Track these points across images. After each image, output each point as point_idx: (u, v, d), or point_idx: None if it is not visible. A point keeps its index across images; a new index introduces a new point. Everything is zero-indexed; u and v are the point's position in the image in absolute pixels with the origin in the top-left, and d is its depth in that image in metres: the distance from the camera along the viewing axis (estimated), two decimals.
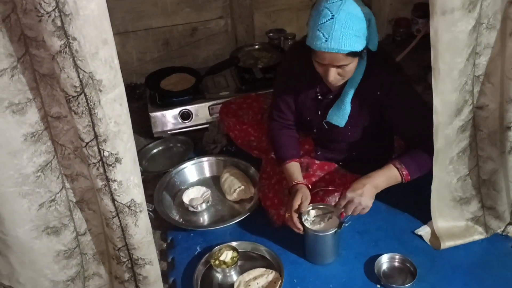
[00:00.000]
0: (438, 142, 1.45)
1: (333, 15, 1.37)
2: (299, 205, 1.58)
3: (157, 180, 2.05)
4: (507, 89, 1.41)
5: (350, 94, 1.60)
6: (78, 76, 1.03)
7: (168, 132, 2.34)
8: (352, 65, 1.49)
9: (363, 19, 1.41)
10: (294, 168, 1.71)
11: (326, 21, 1.38)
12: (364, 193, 1.53)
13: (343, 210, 1.58)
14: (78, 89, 1.04)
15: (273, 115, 1.83)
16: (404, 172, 1.56)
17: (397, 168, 1.57)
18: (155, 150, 2.31)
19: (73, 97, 1.05)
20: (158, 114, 2.32)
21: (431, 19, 1.24)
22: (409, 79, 1.65)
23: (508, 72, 1.39)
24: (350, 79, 1.58)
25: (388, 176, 1.57)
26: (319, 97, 1.69)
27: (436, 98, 1.36)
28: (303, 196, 1.59)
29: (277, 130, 1.82)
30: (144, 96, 2.58)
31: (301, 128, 1.84)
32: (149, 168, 2.21)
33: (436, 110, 1.38)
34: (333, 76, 1.50)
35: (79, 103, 1.06)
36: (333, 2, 1.38)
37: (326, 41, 1.39)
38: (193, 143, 2.28)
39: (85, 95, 1.05)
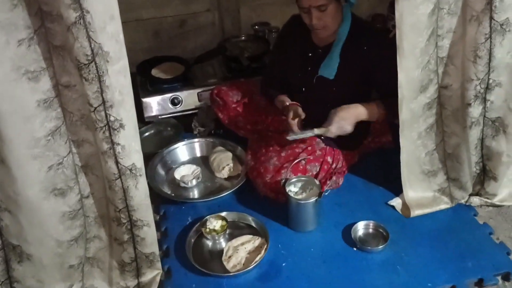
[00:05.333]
0: (403, 113, 1.62)
1: None
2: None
3: (149, 161, 2.17)
4: (467, 69, 1.59)
5: (339, 47, 1.82)
6: (90, 46, 1.16)
7: (159, 117, 2.46)
8: (331, 8, 1.72)
9: None
10: (283, 97, 2.02)
11: None
12: (345, 113, 1.80)
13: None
14: (90, 58, 1.18)
15: (265, 79, 2.17)
16: (381, 109, 1.81)
17: (376, 104, 1.82)
18: (146, 134, 2.43)
19: (85, 64, 1.19)
20: (149, 99, 2.44)
21: (396, 3, 1.42)
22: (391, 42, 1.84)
23: (468, 54, 1.57)
24: (338, 35, 1.80)
25: (368, 108, 1.82)
26: (310, 54, 1.91)
27: (400, 74, 1.53)
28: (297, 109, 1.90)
29: (270, 81, 2.14)
30: (134, 84, 2.69)
31: (290, 90, 2.03)
32: (141, 150, 2.33)
33: (400, 84, 1.56)
34: (315, 19, 1.73)
35: (89, 71, 1.20)
36: None
37: None
38: (183, 127, 2.41)
39: (95, 63, 1.19)
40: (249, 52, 2.62)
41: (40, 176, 1.36)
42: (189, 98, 2.47)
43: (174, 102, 2.45)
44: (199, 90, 2.47)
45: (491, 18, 1.48)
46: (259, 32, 2.79)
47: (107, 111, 1.27)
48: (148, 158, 2.18)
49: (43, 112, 1.29)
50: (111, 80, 1.24)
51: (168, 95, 2.44)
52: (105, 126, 1.29)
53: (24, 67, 1.21)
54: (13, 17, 1.14)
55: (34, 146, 1.31)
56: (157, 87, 2.48)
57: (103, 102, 1.25)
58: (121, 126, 1.31)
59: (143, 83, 2.53)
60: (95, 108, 1.26)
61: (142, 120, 2.47)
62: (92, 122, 1.32)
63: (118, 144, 1.33)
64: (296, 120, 1.87)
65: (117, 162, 1.36)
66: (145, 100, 2.44)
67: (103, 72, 1.21)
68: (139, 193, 1.44)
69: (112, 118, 1.28)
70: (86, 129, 1.39)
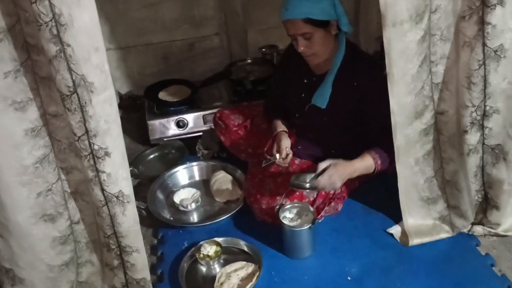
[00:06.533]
0: (398, 140, 1.59)
1: None
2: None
3: (152, 183, 2.20)
4: (462, 96, 1.55)
5: (332, 77, 1.80)
6: (72, 78, 1.20)
7: (164, 139, 2.49)
8: (317, 36, 1.70)
9: None
10: (277, 123, 2.02)
11: None
12: (340, 172, 1.72)
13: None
14: (71, 89, 1.21)
15: (267, 100, 2.18)
16: (378, 162, 1.75)
17: (373, 158, 1.75)
18: (151, 156, 2.47)
19: (67, 95, 1.22)
20: (155, 122, 2.48)
21: (384, 30, 1.40)
22: (385, 79, 1.80)
23: (462, 80, 1.53)
24: (332, 64, 1.78)
25: (365, 165, 1.76)
26: (305, 81, 1.90)
27: (392, 100, 1.51)
28: (282, 141, 1.89)
29: (271, 103, 2.15)
30: (144, 106, 2.75)
31: (289, 113, 2.04)
32: (145, 172, 2.37)
33: (393, 110, 1.53)
34: (302, 46, 1.73)
35: (72, 101, 1.23)
36: None
37: (286, 10, 1.67)
38: (187, 149, 2.44)
39: (77, 94, 1.22)
40: (255, 75, 2.64)
41: (29, 202, 1.39)
42: (195, 121, 2.50)
43: (179, 124, 2.48)
44: (204, 113, 2.50)
45: (484, 44, 1.45)
46: (267, 55, 2.81)
47: (90, 140, 1.29)
48: (151, 181, 2.21)
49: (31, 140, 1.33)
50: (96, 109, 1.27)
51: (174, 118, 2.48)
52: (89, 154, 1.31)
53: (10, 98, 1.25)
54: None
55: (22, 173, 1.34)
56: (164, 110, 2.52)
57: (87, 131, 1.28)
58: (107, 154, 1.33)
59: (150, 106, 2.57)
60: (79, 137, 1.29)
61: (148, 142, 2.52)
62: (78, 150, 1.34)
63: (103, 172, 1.35)
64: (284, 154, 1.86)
65: (102, 190, 1.38)
66: (151, 122, 2.48)
67: (85, 102, 1.23)
68: (127, 220, 1.46)
69: (96, 147, 1.30)
70: (74, 156, 1.43)
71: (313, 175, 1.73)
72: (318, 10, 1.66)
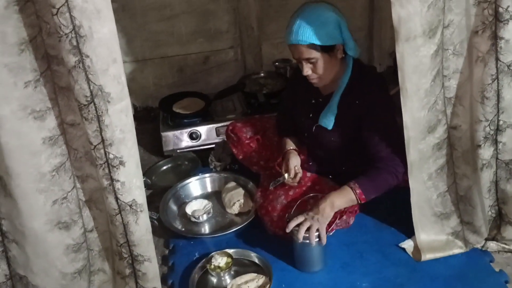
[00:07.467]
0: (411, 155, 1.59)
1: (298, 14, 1.66)
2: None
3: (165, 193, 2.21)
4: (475, 110, 1.55)
5: (337, 97, 1.80)
6: (89, 88, 1.22)
7: (177, 151, 2.52)
8: (321, 60, 1.69)
9: (327, 19, 1.65)
10: (288, 140, 2.02)
11: (292, 19, 1.67)
12: (320, 212, 1.69)
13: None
14: (89, 99, 1.24)
15: (279, 115, 2.19)
16: (357, 191, 1.72)
17: (351, 188, 1.72)
18: (164, 167, 2.49)
19: (84, 105, 1.25)
20: (169, 134, 2.51)
21: (397, 45, 1.41)
22: (390, 100, 1.80)
23: (476, 95, 1.53)
24: (338, 85, 1.78)
25: (344, 196, 1.73)
26: (313, 101, 1.91)
27: (405, 114, 1.51)
28: (290, 160, 1.91)
29: (282, 119, 2.16)
30: (158, 118, 2.78)
31: (297, 131, 2.05)
32: (158, 183, 2.39)
33: (406, 125, 1.53)
34: (306, 70, 1.73)
35: (89, 111, 1.25)
36: (305, 7, 1.69)
37: (290, 35, 1.67)
38: (200, 161, 2.46)
39: (94, 104, 1.25)
40: (268, 89, 2.67)
41: (45, 209, 1.41)
42: (208, 133, 2.53)
43: (192, 136, 2.51)
44: (217, 125, 2.52)
45: (497, 59, 1.45)
46: (280, 68, 2.83)
47: (106, 149, 1.31)
48: (164, 191, 2.23)
49: (48, 148, 1.35)
50: (112, 119, 1.29)
51: (187, 130, 2.51)
52: (104, 163, 1.34)
53: (30, 107, 1.28)
54: (21, 61, 1.23)
55: (39, 181, 1.37)
56: (177, 122, 2.55)
57: (102, 140, 1.30)
58: (121, 163, 1.35)
59: (165, 118, 2.61)
60: (95, 146, 1.31)
61: (162, 153, 2.54)
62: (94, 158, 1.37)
63: (118, 180, 1.37)
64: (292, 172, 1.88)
65: (116, 198, 1.40)
66: (165, 134, 2.51)
67: (102, 112, 1.26)
68: (140, 229, 1.47)
69: (111, 156, 1.33)
70: (90, 165, 1.45)
71: None
72: (323, 35, 1.65)
